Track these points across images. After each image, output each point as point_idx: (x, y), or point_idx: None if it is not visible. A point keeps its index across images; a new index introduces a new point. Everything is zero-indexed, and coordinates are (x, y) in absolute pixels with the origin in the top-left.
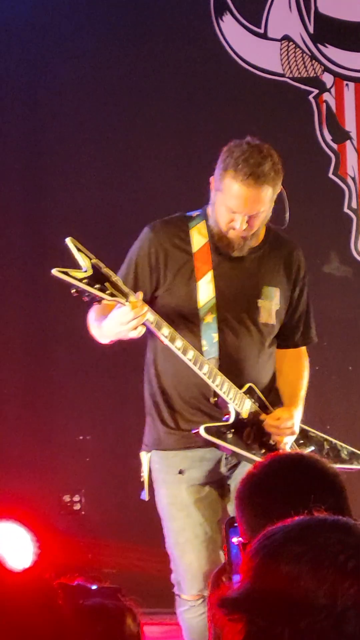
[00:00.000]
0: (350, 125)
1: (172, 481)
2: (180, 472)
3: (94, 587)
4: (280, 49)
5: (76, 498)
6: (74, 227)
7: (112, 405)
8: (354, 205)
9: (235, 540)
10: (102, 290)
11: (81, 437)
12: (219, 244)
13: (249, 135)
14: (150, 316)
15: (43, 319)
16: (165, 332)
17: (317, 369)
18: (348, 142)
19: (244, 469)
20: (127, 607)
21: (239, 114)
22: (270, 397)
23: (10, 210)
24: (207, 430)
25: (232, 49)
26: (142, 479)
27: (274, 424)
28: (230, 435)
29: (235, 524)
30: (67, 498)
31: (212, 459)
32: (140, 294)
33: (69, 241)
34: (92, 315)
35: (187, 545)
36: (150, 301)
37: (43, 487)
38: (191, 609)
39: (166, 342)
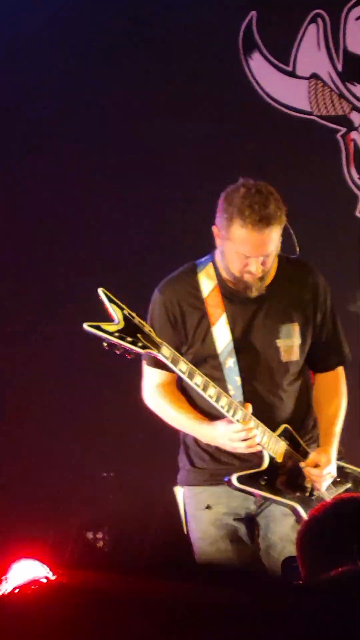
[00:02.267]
0: None
1: (201, 517)
2: (208, 507)
3: None
4: (309, 87)
5: (99, 535)
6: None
7: (137, 442)
8: None
9: (294, 584)
10: (134, 343)
11: (105, 474)
12: (235, 288)
13: (242, 176)
14: (183, 366)
15: (65, 353)
16: (198, 381)
17: None
18: None
19: (277, 509)
20: None
21: (267, 152)
22: (303, 429)
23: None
24: (239, 479)
25: (261, 87)
26: (180, 513)
27: (315, 472)
28: (263, 483)
29: (294, 564)
30: (90, 535)
31: (239, 495)
32: (249, 407)
33: (101, 292)
34: (159, 395)
35: None
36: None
37: (66, 523)
38: None
39: (199, 391)
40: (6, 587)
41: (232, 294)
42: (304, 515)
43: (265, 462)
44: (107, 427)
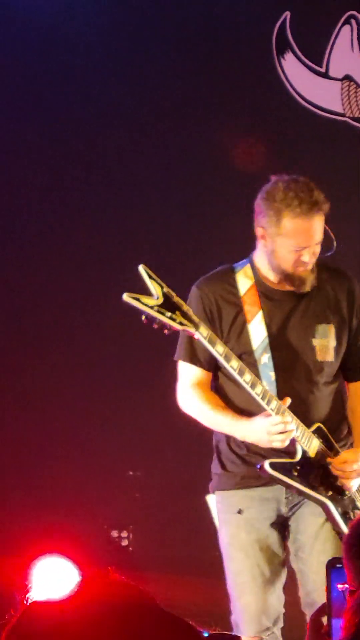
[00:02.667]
0: None
1: (232, 521)
2: (239, 511)
3: (205, 633)
4: (342, 89)
5: (124, 534)
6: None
7: (164, 441)
8: None
9: (340, 586)
10: (173, 319)
11: (131, 473)
12: (278, 288)
13: (275, 173)
14: (220, 348)
15: (91, 351)
16: (234, 365)
17: None
18: None
19: (306, 510)
20: None
21: (298, 152)
22: (337, 434)
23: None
24: (272, 465)
25: (293, 88)
26: (215, 521)
27: (340, 467)
28: (295, 473)
29: (338, 565)
30: (115, 533)
31: (271, 498)
32: (287, 401)
33: (141, 268)
34: (195, 394)
35: (245, 587)
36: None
37: (92, 521)
38: None
39: (235, 375)
40: (34, 586)
41: (270, 292)
42: (335, 512)
43: (299, 454)
44: (135, 425)
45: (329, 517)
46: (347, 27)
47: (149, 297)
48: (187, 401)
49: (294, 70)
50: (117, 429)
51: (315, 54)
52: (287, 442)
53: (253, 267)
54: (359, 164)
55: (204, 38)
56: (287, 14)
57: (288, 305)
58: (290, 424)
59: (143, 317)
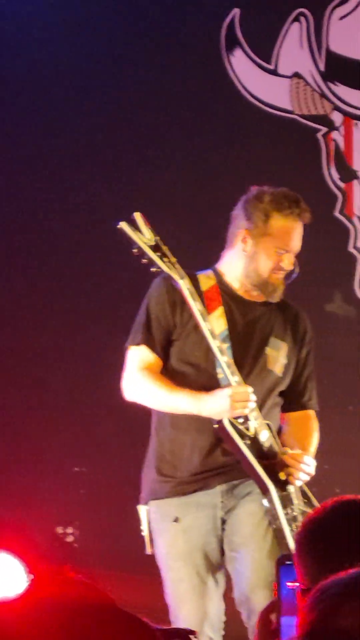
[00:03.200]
0: (357, 164)
1: (168, 530)
2: (176, 520)
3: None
4: (290, 86)
5: (69, 530)
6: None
7: (109, 437)
8: (359, 244)
9: (290, 584)
10: (162, 260)
11: (77, 469)
12: (259, 292)
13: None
14: (199, 306)
15: (37, 345)
16: (208, 326)
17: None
18: (355, 182)
19: (241, 510)
20: None
21: (247, 150)
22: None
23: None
24: (231, 423)
25: (242, 84)
26: (142, 533)
27: (297, 458)
28: (248, 442)
29: (288, 562)
30: (60, 530)
31: (207, 503)
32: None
33: (137, 215)
34: (145, 376)
35: (185, 596)
36: (168, 345)
37: (36, 517)
38: None
39: (208, 336)
40: None
41: (232, 294)
42: (276, 500)
43: (251, 429)
44: (80, 421)
45: (269, 509)
46: (296, 25)
47: (143, 236)
48: (136, 385)
49: (242, 67)
50: (62, 425)
51: (264, 51)
52: (247, 411)
53: (216, 273)
54: (307, 161)
55: (151, 34)
56: (237, 10)
57: (248, 311)
58: (252, 394)
59: (135, 250)
